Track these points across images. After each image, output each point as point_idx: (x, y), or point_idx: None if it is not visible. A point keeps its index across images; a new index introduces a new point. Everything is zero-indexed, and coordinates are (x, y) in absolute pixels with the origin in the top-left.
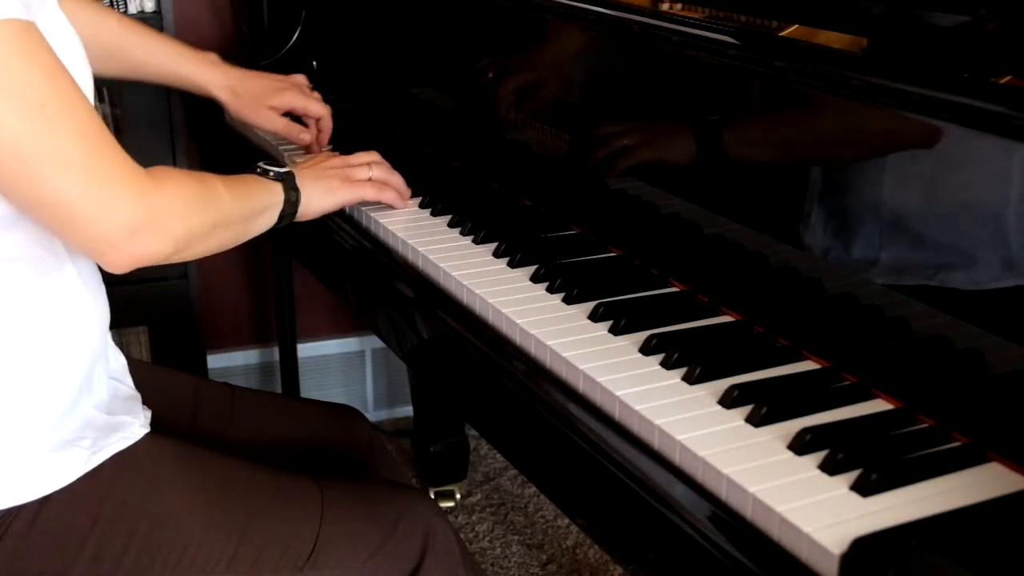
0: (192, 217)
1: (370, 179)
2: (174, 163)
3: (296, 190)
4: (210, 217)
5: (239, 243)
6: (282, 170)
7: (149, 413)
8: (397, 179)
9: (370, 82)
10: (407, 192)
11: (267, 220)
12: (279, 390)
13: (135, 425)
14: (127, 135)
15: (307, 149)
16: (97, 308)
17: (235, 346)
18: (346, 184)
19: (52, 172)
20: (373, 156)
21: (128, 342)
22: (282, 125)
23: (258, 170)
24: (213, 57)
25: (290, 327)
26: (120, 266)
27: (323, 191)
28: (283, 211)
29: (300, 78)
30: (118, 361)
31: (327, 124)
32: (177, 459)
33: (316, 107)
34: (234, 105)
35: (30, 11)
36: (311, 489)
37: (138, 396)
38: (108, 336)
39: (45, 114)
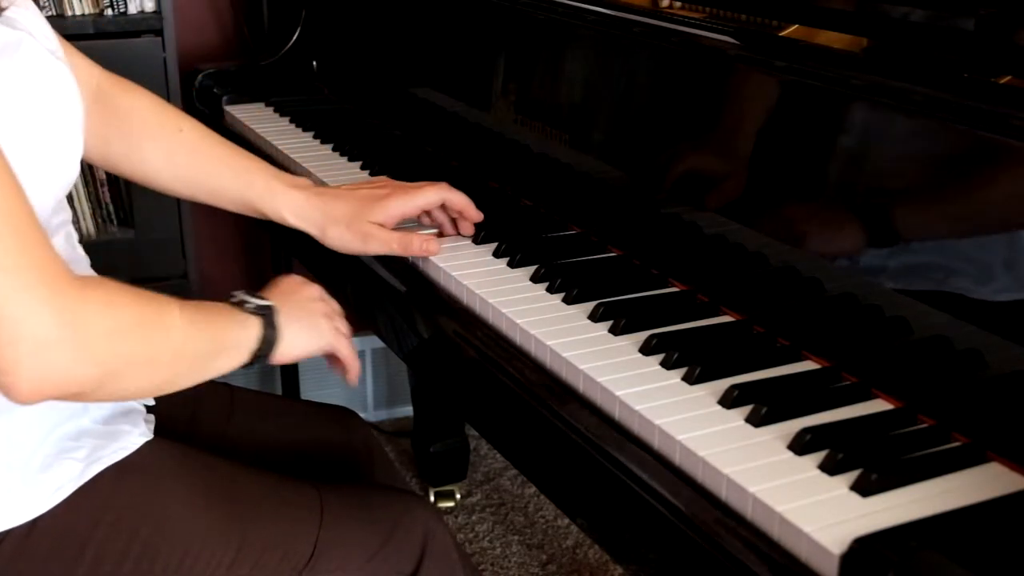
0: (123, 340)
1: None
2: None
3: (275, 328)
4: (151, 346)
5: (193, 383)
6: (263, 303)
7: (152, 422)
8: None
9: (370, 82)
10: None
11: (234, 358)
12: (279, 390)
13: (133, 434)
14: None
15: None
16: None
17: None
18: (330, 328)
19: None
20: (334, 306)
21: None
22: (397, 244)
23: (234, 299)
24: (300, 181)
25: None
26: (22, 391)
27: (307, 331)
28: (257, 350)
29: (389, 183)
30: None
31: (457, 203)
32: (178, 463)
33: (430, 196)
34: (331, 241)
35: None
36: (310, 494)
37: (141, 409)
38: None
39: None
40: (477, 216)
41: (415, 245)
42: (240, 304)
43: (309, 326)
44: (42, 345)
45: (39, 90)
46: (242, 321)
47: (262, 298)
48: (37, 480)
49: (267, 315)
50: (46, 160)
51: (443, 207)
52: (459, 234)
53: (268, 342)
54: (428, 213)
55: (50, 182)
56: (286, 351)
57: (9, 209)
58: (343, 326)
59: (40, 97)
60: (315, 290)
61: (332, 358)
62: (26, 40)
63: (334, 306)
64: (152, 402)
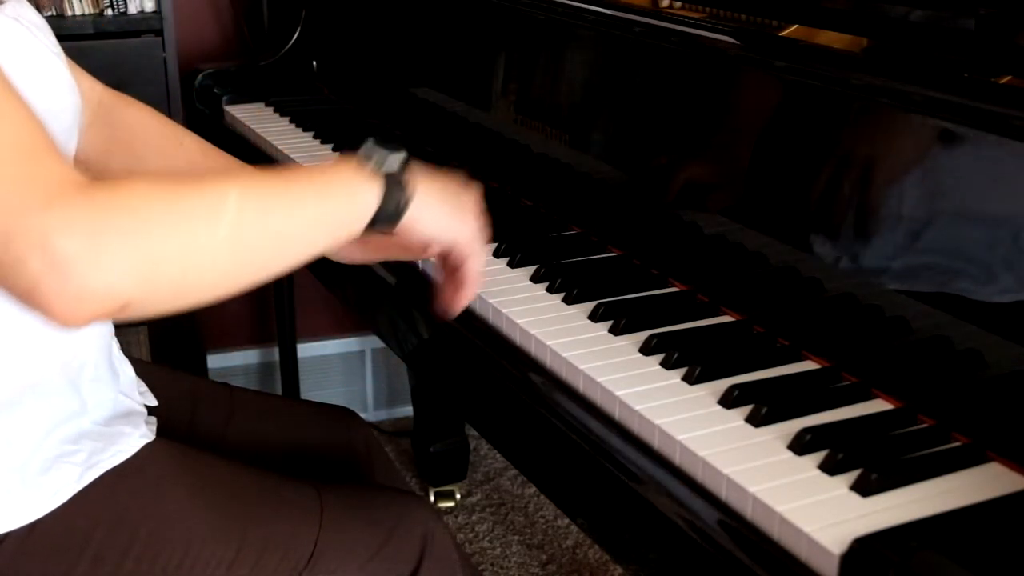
0: (150, 239)
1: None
2: None
3: (403, 192)
4: (191, 239)
5: (288, 267)
6: (395, 157)
7: (154, 423)
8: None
9: (370, 82)
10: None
11: (342, 230)
12: (279, 390)
13: (133, 436)
14: None
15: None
16: (86, 331)
17: (235, 346)
18: (473, 225)
19: None
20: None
21: (128, 342)
22: (413, 252)
23: (362, 152)
24: None
25: (290, 327)
26: (56, 312)
27: (444, 212)
28: (375, 217)
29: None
30: (127, 375)
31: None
32: (178, 463)
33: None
34: (343, 255)
35: None
36: (310, 494)
37: (143, 411)
38: (115, 348)
39: None
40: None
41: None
42: (367, 157)
43: (449, 208)
44: (60, 262)
45: (36, 84)
46: (355, 190)
47: (397, 150)
48: (36, 483)
49: (393, 178)
50: None
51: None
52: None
53: (389, 210)
54: None
55: None
56: (412, 223)
57: (8, 119)
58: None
59: (37, 92)
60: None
61: (447, 270)
62: (27, 36)
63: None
64: (154, 402)
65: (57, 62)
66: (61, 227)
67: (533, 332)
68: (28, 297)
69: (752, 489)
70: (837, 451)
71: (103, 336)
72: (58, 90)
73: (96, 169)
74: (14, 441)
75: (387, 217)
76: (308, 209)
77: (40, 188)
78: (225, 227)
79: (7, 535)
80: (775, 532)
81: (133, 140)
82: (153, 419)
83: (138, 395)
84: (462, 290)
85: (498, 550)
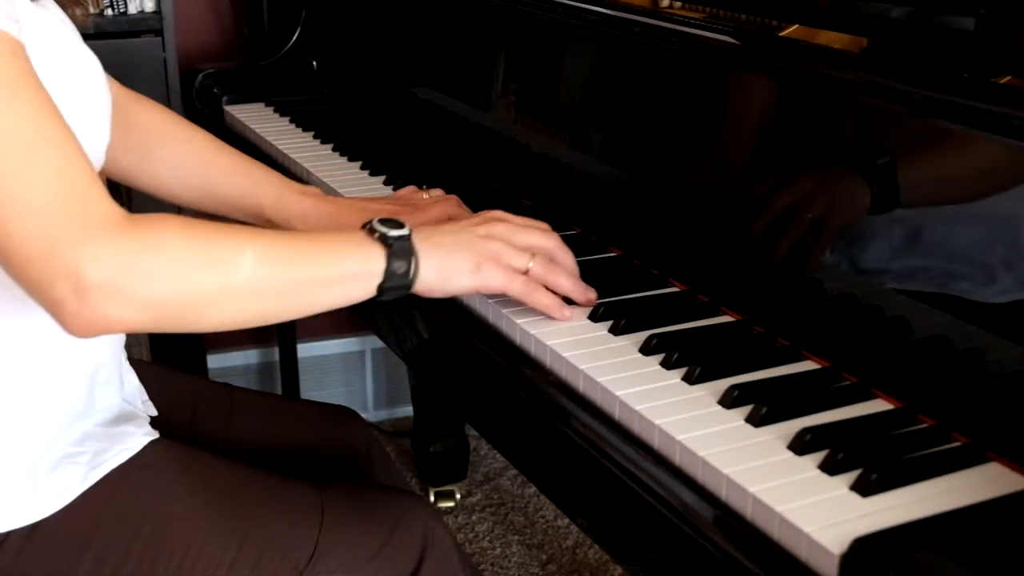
0: (172, 281)
1: (527, 271)
2: None
3: (409, 261)
4: (210, 285)
5: (303, 314)
6: (396, 233)
7: (156, 433)
8: (562, 276)
9: (370, 82)
10: (579, 292)
11: (350, 292)
12: (279, 390)
13: (137, 435)
14: None
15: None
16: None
17: (235, 346)
18: (491, 264)
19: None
20: (543, 239)
21: (128, 342)
22: None
23: (367, 225)
24: (310, 190)
25: (290, 327)
26: (71, 327)
27: (455, 267)
28: (384, 284)
29: (408, 190)
30: (131, 384)
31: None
32: (179, 463)
33: (436, 211)
34: None
35: (20, 24)
36: (311, 495)
37: (145, 417)
38: (123, 358)
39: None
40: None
41: None
42: (371, 231)
43: (459, 263)
44: (83, 288)
45: (72, 73)
46: (363, 252)
47: (400, 227)
48: (42, 483)
49: (396, 244)
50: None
51: None
52: None
53: (401, 275)
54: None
55: None
56: (430, 285)
57: (55, 154)
58: (538, 267)
59: (73, 80)
60: (498, 227)
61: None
62: (59, 24)
63: (512, 240)
64: (155, 412)
65: (88, 52)
66: (94, 261)
67: (533, 332)
68: (47, 307)
69: (752, 489)
70: (837, 451)
71: (116, 342)
72: (98, 83)
73: (107, 165)
74: (26, 441)
75: (398, 278)
76: (318, 267)
77: (82, 221)
78: (239, 279)
79: (10, 534)
80: (775, 532)
81: (144, 137)
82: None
83: (140, 404)
84: (551, 313)
85: (498, 550)
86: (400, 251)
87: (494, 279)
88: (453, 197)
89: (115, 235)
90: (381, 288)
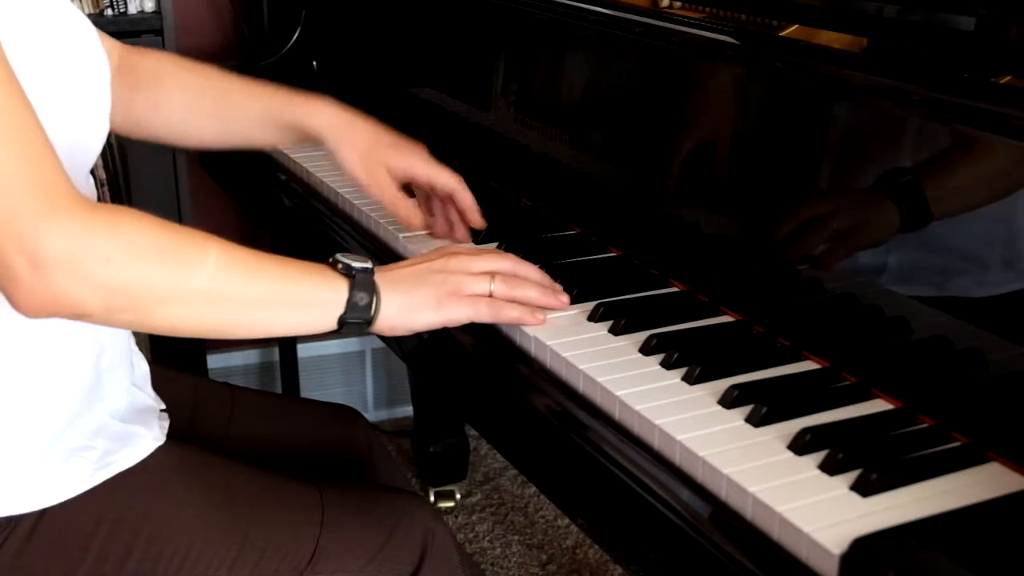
0: (128, 269)
1: (490, 293)
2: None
3: (371, 294)
4: (167, 281)
5: (254, 335)
6: (359, 265)
7: (166, 424)
8: (527, 287)
9: (370, 82)
10: (549, 297)
11: (310, 318)
12: (279, 390)
13: (147, 438)
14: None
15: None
16: None
17: (235, 346)
18: (453, 298)
19: None
20: (499, 260)
21: None
22: (391, 196)
23: (330, 260)
24: (326, 99)
25: None
26: (21, 304)
27: (417, 303)
28: (345, 316)
29: (420, 146)
30: (141, 368)
31: (465, 200)
32: (180, 463)
33: (444, 178)
34: (341, 160)
35: None
36: (312, 495)
37: (156, 407)
38: (132, 343)
39: None
40: (477, 222)
41: (402, 211)
42: (334, 264)
43: (421, 300)
44: (41, 262)
45: (63, 38)
46: (324, 280)
47: (364, 261)
48: (53, 471)
49: (358, 278)
50: (76, 118)
51: (449, 200)
52: (451, 237)
53: (361, 308)
54: (429, 201)
55: (80, 145)
56: (390, 323)
57: (22, 127)
58: (500, 287)
59: (70, 53)
60: (453, 258)
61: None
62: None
63: (470, 270)
64: (163, 404)
65: (87, 23)
66: (54, 236)
67: (532, 333)
68: (1, 281)
69: (752, 489)
70: (837, 451)
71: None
72: (92, 45)
73: (120, 121)
74: (36, 425)
75: (359, 310)
76: (279, 287)
77: (45, 196)
78: (196, 283)
79: (16, 524)
80: (775, 532)
81: (154, 81)
82: (165, 415)
83: (151, 390)
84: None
85: (498, 550)
86: (363, 283)
87: (457, 312)
88: (459, 177)
89: (77, 214)
90: (342, 320)
